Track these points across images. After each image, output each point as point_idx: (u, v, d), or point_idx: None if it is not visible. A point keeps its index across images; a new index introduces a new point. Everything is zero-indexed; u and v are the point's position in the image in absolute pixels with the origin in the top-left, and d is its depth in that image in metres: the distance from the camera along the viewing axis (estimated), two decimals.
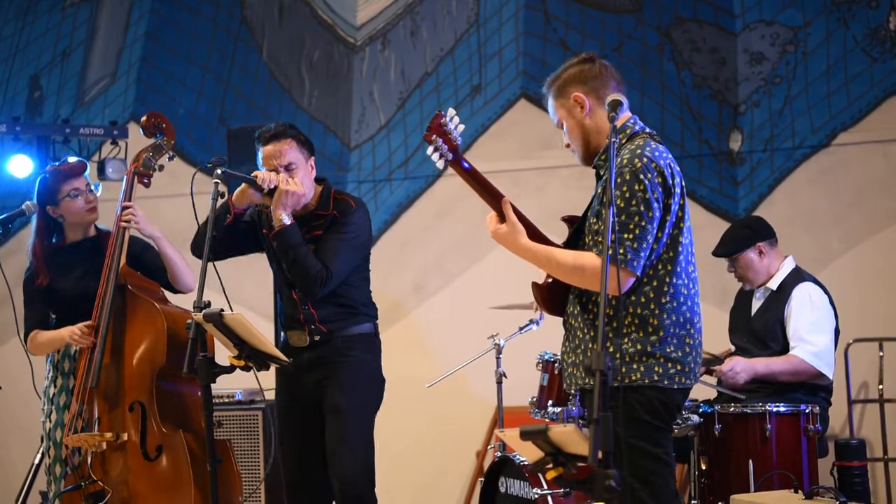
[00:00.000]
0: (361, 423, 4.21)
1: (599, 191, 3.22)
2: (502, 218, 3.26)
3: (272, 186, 4.07)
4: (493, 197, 3.29)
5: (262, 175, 4.08)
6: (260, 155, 4.21)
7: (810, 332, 4.80)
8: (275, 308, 6.06)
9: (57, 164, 4.86)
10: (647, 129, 3.32)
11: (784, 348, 4.86)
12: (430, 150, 3.29)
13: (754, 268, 4.97)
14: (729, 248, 4.99)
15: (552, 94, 3.42)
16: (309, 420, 4.26)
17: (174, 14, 7.27)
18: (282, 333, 4.44)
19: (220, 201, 4.11)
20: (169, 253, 4.67)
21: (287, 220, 4.09)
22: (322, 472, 4.27)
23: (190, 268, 4.71)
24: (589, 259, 3.15)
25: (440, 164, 3.31)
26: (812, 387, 4.84)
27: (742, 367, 4.77)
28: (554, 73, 3.43)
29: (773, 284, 4.95)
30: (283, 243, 4.10)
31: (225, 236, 4.18)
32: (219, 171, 4.06)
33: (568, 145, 3.39)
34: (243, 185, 4.15)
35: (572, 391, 3.38)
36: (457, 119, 3.31)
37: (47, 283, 4.70)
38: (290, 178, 4.11)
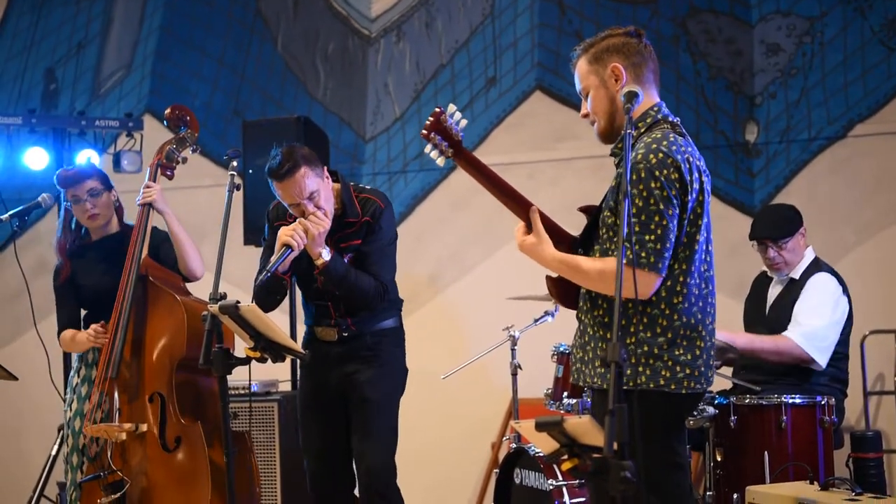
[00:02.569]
0: (389, 415, 4.28)
1: (614, 183, 3.15)
2: (529, 227, 3.21)
3: (306, 242, 4.03)
4: (517, 203, 3.23)
5: (294, 242, 4.00)
6: (276, 189, 4.15)
7: (805, 315, 4.76)
8: (291, 301, 6.10)
9: (66, 168, 4.88)
10: (671, 118, 3.22)
11: None
12: (428, 147, 3.24)
13: (798, 251, 4.94)
14: (783, 230, 4.92)
15: (586, 59, 3.23)
16: (333, 411, 4.31)
17: (189, 6, 7.30)
18: (301, 326, 4.47)
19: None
20: (179, 234, 4.69)
21: (327, 256, 4.08)
22: (345, 462, 4.31)
23: (200, 254, 4.74)
24: (611, 265, 3.04)
25: (440, 162, 3.26)
26: (829, 377, 4.84)
27: (731, 338, 4.69)
28: (592, 37, 3.27)
29: (796, 273, 4.92)
30: (332, 279, 4.11)
31: (285, 290, 4.28)
32: (267, 273, 3.98)
33: (586, 115, 3.27)
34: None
35: (580, 384, 3.37)
36: (458, 115, 3.23)
37: (69, 276, 4.75)
38: (311, 215, 4.06)
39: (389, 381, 4.31)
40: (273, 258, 3.99)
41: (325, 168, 4.22)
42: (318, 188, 4.11)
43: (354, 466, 4.29)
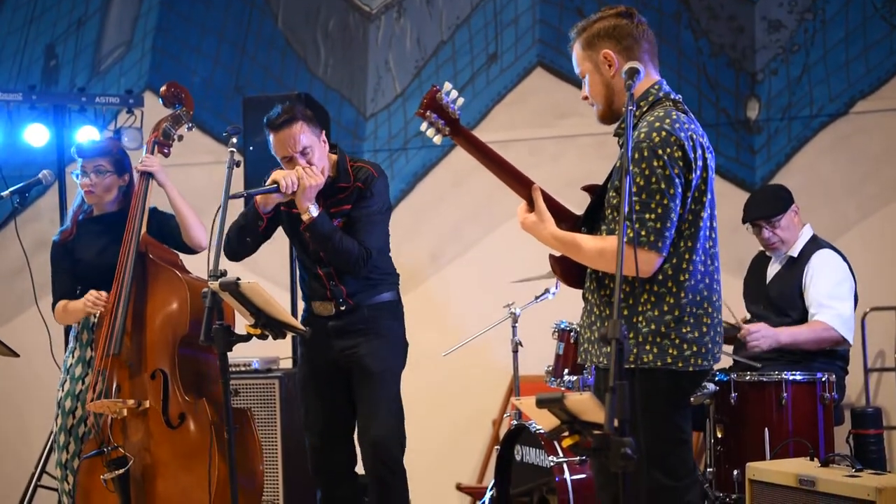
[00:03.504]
0: (391, 387, 4.30)
1: (618, 163, 3.12)
2: (531, 206, 3.21)
3: (295, 189, 4.09)
4: (518, 182, 3.24)
5: (284, 182, 4.07)
6: (271, 140, 4.23)
7: (831, 298, 4.78)
8: (291, 278, 6.10)
9: (89, 141, 4.91)
10: (673, 95, 3.22)
11: (803, 316, 4.86)
12: (423, 125, 3.25)
13: (792, 229, 4.95)
14: (774, 209, 4.92)
15: (580, 44, 3.25)
16: (334, 386, 4.33)
17: None
18: (301, 302, 4.48)
19: (242, 198, 4.17)
20: (181, 205, 4.71)
21: (314, 212, 4.13)
22: (347, 439, 4.34)
23: (203, 225, 4.74)
24: (611, 243, 3.04)
25: (437, 140, 3.27)
26: (829, 354, 4.85)
27: (765, 335, 4.72)
28: (585, 19, 3.28)
29: (794, 251, 4.94)
30: (317, 235, 4.15)
31: (258, 236, 4.28)
32: (243, 193, 4.13)
33: (586, 97, 3.29)
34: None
35: (587, 365, 3.38)
36: (455, 93, 3.25)
37: (69, 242, 4.75)
38: (306, 167, 4.13)
39: (390, 353, 4.32)
40: (259, 188, 4.10)
41: (324, 132, 4.27)
42: (311, 145, 4.17)
43: (357, 441, 4.31)
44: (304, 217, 4.13)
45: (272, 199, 4.16)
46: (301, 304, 4.69)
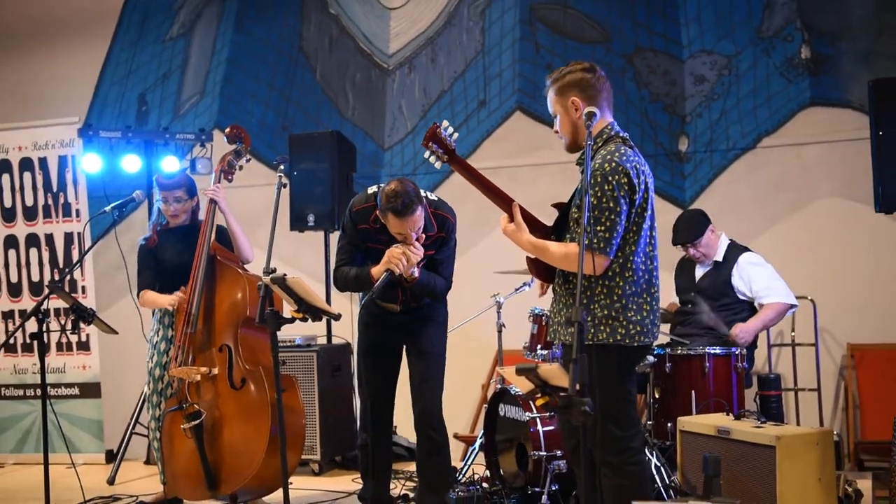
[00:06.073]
0: (441, 364, 4.22)
1: (579, 186, 3.14)
2: (511, 218, 3.21)
3: (407, 269, 3.88)
4: (501, 199, 3.22)
5: (395, 268, 3.87)
6: (391, 220, 3.89)
7: (773, 281, 4.86)
8: (326, 272, 6.09)
9: (167, 175, 4.91)
10: (622, 133, 3.21)
11: (735, 300, 4.88)
12: (426, 153, 3.25)
13: (711, 245, 4.97)
14: (694, 234, 4.96)
15: (553, 90, 3.22)
16: (389, 359, 4.24)
17: (248, 44, 7.26)
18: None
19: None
20: (235, 229, 4.72)
21: (417, 274, 3.97)
22: (392, 404, 4.27)
23: (250, 243, 4.77)
24: (573, 249, 3.08)
25: (437, 165, 3.28)
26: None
27: (746, 330, 4.76)
28: (559, 70, 3.23)
29: (719, 256, 4.99)
30: (419, 288, 4.04)
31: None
32: (372, 296, 3.82)
33: (557, 131, 3.26)
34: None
35: (556, 342, 3.36)
36: (451, 129, 3.25)
37: (154, 247, 4.77)
38: (412, 247, 3.90)
39: (440, 339, 4.26)
40: (378, 281, 3.84)
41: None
42: (423, 223, 3.95)
43: (413, 404, 4.17)
44: (410, 280, 3.96)
45: (385, 281, 3.88)
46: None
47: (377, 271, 3.93)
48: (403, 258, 3.88)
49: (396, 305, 4.17)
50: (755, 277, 4.86)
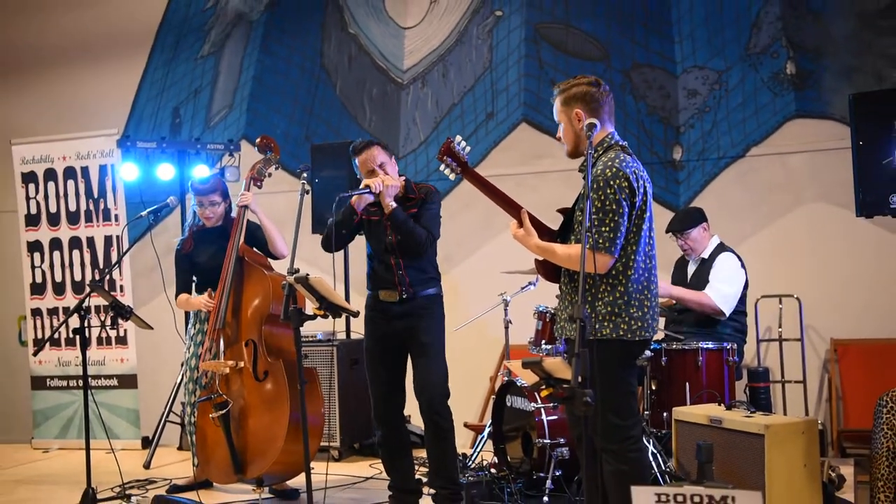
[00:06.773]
0: (441, 357, 4.19)
1: (582, 192, 3.11)
2: (520, 223, 3.21)
3: (380, 190, 4.01)
4: (511, 206, 3.22)
5: (373, 185, 3.99)
6: (356, 162, 4.14)
7: (719, 281, 4.79)
8: (345, 272, 6.09)
9: (201, 181, 4.88)
10: (621, 142, 3.20)
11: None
12: (441, 166, 3.27)
13: (700, 240, 4.94)
14: (685, 225, 4.93)
15: (559, 100, 3.21)
16: (394, 354, 4.20)
17: (274, 62, 7.27)
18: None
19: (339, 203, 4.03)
20: (268, 226, 4.72)
21: (394, 205, 4.07)
22: (401, 392, 4.23)
23: (284, 240, 4.74)
24: (577, 250, 3.06)
25: (451, 177, 3.29)
26: (735, 329, 4.82)
27: (663, 287, 4.67)
28: (567, 82, 3.22)
29: (706, 254, 4.94)
30: (396, 221, 4.06)
31: (351, 230, 4.15)
32: (339, 196, 3.97)
33: (560, 138, 3.26)
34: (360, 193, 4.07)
35: (562, 337, 3.34)
36: (464, 143, 3.25)
37: (189, 251, 4.78)
38: (387, 176, 4.06)
39: (439, 331, 4.23)
40: (355, 190, 4.01)
41: (393, 157, 4.19)
42: (386, 162, 4.10)
43: (416, 394, 4.15)
44: (387, 210, 4.04)
45: (364, 200, 4.06)
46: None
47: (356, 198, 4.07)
48: (378, 179, 4.00)
49: (394, 293, 4.14)
50: (717, 271, 4.83)
